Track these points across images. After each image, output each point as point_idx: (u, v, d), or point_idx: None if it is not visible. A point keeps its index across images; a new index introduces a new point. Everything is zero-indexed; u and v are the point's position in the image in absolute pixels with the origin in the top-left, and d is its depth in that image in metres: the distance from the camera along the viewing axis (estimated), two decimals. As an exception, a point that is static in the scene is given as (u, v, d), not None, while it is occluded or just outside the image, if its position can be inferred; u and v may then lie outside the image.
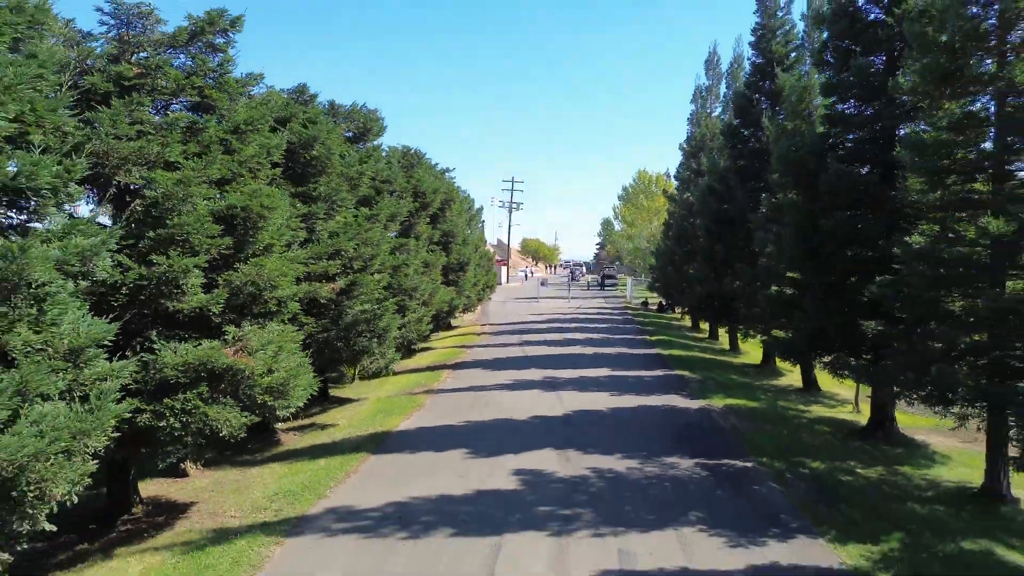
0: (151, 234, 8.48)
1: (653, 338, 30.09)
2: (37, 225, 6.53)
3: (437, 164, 27.27)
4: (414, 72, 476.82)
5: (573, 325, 34.68)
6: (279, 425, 14.66)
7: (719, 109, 32.83)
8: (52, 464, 5.75)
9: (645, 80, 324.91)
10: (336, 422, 15.59)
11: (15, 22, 6.25)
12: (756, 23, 23.94)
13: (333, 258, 13.35)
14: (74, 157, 6.58)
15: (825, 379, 20.06)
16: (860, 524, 9.51)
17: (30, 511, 5.74)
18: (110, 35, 9.42)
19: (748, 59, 25.11)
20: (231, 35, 10.10)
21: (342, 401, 18.12)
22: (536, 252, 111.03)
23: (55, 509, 6.00)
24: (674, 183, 41.49)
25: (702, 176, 30.25)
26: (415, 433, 13.98)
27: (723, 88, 32.11)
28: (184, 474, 12.00)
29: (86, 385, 6.69)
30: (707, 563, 8.13)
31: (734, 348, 28.25)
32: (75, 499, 6.04)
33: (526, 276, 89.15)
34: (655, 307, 46.31)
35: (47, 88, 6.39)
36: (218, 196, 9.36)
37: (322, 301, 12.84)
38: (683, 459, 12.24)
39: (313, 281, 12.58)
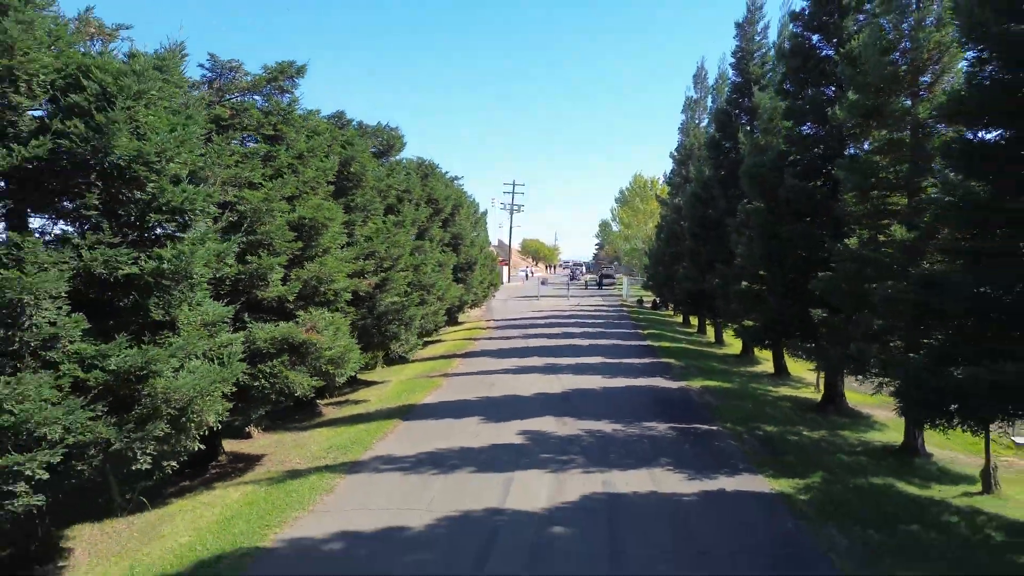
0: (244, 239, 11.05)
1: (644, 332, 32.69)
2: (182, 235, 9.08)
3: (447, 173, 29.90)
4: (414, 72, 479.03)
5: (571, 320, 37.28)
6: (320, 401, 17.23)
7: (706, 120, 35.40)
8: (207, 399, 8.33)
9: (645, 80, 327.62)
10: (367, 399, 18.17)
11: (172, 92, 8.83)
12: (736, 46, 26.51)
13: (368, 258, 15.91)
14: (210, 185, 9.17)
15: (796, 366, 22.67)
16: (794, 467, 12.09)
17: (193, 432, 8.31)
18: (204, 83, 11.99)
19: (729, 78, 27.71)
20: (296, 80, 12.70)
21: (369, 383, 20.69)
22: (536, 252, 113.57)
23: (206, 433, 8.58)
24: (667, 188, 44.06)
25: (690, 182, 32.78)
26: (436, 405, 16.56)
27: (709, 101, 34.68)
28: (248, 436, 14.57)
29: (215, 350, 9.27)
30: (669, 489, 10.70)
31: (719, 340, 30.84)
32: (219, 426, 8.62)
33: (527, 276, 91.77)
34: (649, 305, 48.88)
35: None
36: (291, 209, 11.93)
37: (361, 294, 15.40)
38: (660, 424, 14.83)
39: (354, 277, 15.13)
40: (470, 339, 29.86)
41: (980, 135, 9.90)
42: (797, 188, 16.00)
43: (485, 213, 45.55)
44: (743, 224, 20.81)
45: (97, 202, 7.71)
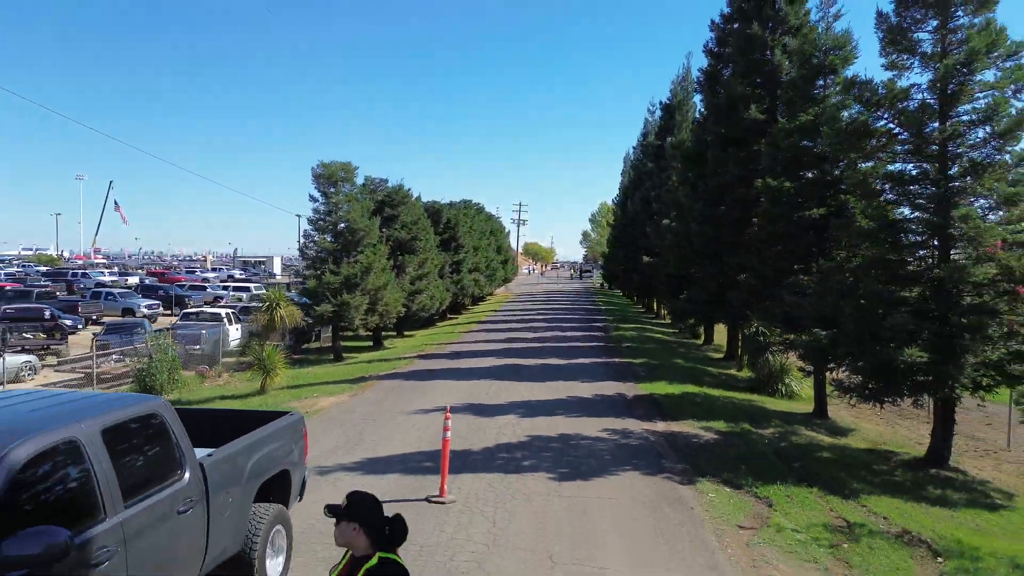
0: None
1: (595, 296, 62.86)
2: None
3: (492, 214, 59.76)
4: (418, 91, 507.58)
5: (558, 292, 67.47)
6: (463, 309, 47.06)
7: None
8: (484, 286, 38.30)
9: (631, 100, 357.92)
10: (474, 311, 48.08)
11: (481, 214, 38.88)
12: (634, 156, 56.40)
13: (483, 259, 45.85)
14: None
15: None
16: (621, 324, 41.96)
17: (466, 298, 38.25)
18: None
19: (633, 168, 57.65)
20: (491, 209, 42.66)
21: (464, 312, 50.59)
22: (536, 254, 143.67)
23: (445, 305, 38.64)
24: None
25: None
26: (505, 309, 46.47)
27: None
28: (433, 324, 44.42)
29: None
30: (573, 308, 40.57)
31: (631, 299, 60.93)
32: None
33: (529, 272, 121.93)
34: (608, 287, 78.92)
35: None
36: (480, 244, 41.85)
37: (484, 266, 45.27)
38: (580, 320, 44.78)
39: (481, 264, 44.98)
40: (505, 298, 59.90)
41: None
42: (631, 237, 46.00)
43: (508, 232, 75.65)
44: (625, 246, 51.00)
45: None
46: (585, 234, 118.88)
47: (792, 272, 15.35)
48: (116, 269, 75.98)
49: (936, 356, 10.29)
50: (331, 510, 2.99)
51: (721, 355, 26.22)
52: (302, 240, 24.66)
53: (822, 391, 16.29)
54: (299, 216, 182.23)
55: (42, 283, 48.70)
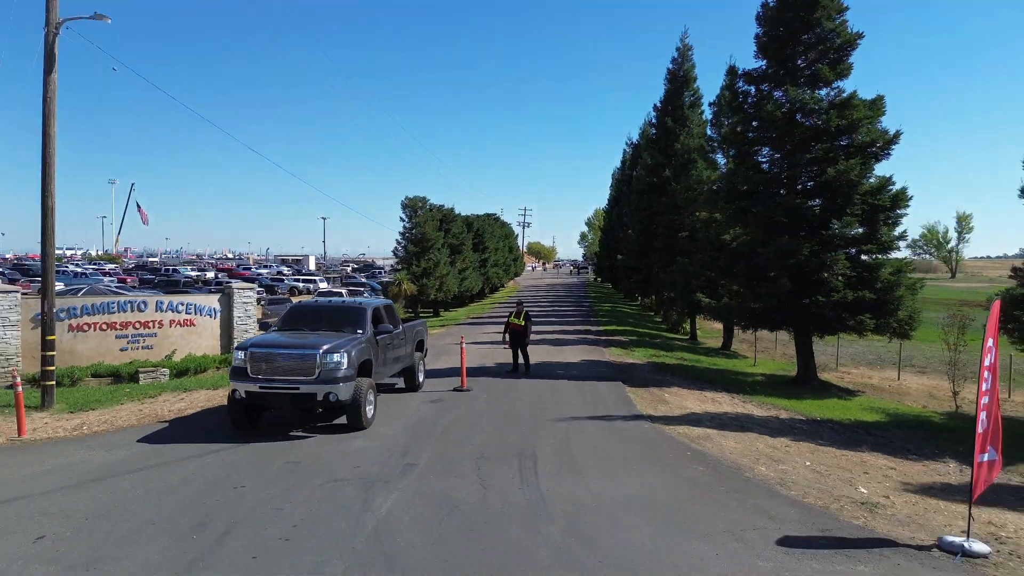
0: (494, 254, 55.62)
1: (589, 288, 77.50)
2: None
3: (506, 221, 74.34)
4: (426, 103, 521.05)
5: (558, 283, 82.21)
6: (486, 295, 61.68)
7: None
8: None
9: (629, 105, 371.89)
10: (486, 299, 62.69)
11: (499, 223, 53.51)
12: (618, 171, 70.93)
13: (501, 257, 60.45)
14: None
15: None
16: (600, 296, 56.59)
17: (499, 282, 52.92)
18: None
19: (616, 185, 72.23)
20: (505, 218, 57.31)
21: (485, 298, 65.15)
22: (539, 253, 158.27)
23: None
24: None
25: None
26: (517, 296, 61.05)
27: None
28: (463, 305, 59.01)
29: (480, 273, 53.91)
30: (568, 283, 55.25)
31: (616, 290, 75.56)
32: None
33: (533, 269, 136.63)
34: (600, 280, 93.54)
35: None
36: (500, 246, 56.50)
37: (501, 262, 59.85)
38: (573, 298, 59.42)
39: (499, 260, 59.55)
40: (515, 289, 74.44)
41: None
42: (613, 241, 60.52)
43: (517, 236, 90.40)
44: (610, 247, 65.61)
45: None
46: (583, 235, 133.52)
47: (675, 263, 29.89)
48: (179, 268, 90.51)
49: (714, 297, 24.95)
50: (517, 303, 17.62)
51: (661, 320, 40.74)
52: (395, 246, 39.23)
53: (694, 326, 31.01)
54: (324, 219, 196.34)
55: (149, 275, 63.74)
